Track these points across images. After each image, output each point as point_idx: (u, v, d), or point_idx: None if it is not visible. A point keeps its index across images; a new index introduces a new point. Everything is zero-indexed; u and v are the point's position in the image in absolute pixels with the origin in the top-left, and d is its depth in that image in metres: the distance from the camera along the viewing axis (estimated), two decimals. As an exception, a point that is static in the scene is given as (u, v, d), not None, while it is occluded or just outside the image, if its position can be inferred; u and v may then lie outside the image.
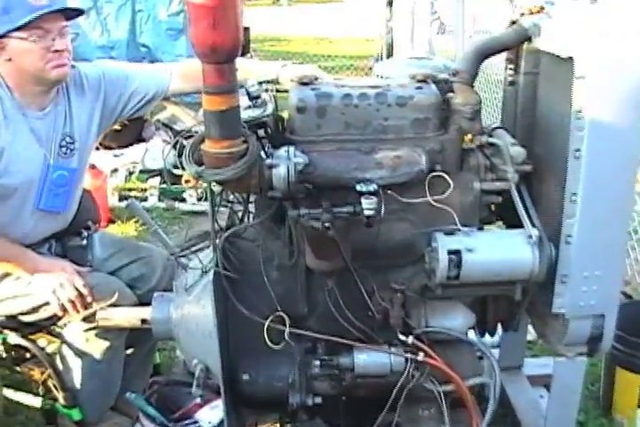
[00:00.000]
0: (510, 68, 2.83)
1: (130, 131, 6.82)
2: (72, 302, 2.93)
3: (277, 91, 2.74)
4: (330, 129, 2.45)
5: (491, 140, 2.54)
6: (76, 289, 2.94)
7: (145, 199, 6.62)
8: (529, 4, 2.65)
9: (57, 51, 2.91)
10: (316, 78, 2.57)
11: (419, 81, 2.55)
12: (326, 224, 2.23)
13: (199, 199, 6.46)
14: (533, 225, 2.45)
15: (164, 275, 3.29)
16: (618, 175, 2.36)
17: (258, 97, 2.52)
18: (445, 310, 2.63)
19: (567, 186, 2.38)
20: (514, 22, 2.65)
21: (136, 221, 5.97)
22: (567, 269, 2.46)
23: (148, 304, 2.75)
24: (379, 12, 12.49)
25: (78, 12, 3.04)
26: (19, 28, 2.84)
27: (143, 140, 7.22)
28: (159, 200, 6.63)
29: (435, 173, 2.44)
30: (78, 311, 2.94)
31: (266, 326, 2.48)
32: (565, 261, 2.46)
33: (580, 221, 2.39)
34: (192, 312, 2.61)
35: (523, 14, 2.66)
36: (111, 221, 6.12)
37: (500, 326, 2.89)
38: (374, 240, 2.43)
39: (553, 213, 2.52)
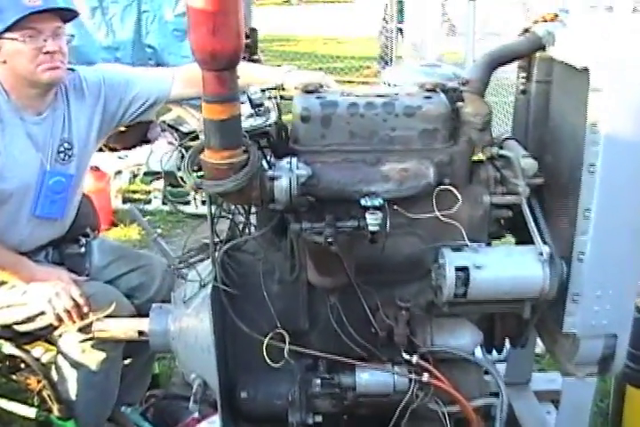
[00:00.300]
0: (522, 76, 2.75)
1: (135, 132, 6.73)
2: (68, 311, 2.85)
3: (282, 98, 2.66)
4: (335, 139, 2.37)
5: (501, 152, 2.45)
6: (73, 299, 2.86)
7: (148, 202, 6.54)
8: (543, 12, 2.57)
9: (48, 52, 2.83)
10: (322, 86, 2.49)
11: (427, 90, 2.46)
12: (329, 239, 2.15)
13: (203, 202, 6.37)
14: (544, 241, 2.36)
15: (164, 284, 3.21)
16: (634, 191, 2.27)
17: (261, 105, 2.44)
18: (452, 327, 2.54)
19: (580, 201, 2.29)
20: (527, 30, 2.56)
21: (139, 224, 5.89)
22: (579, 287, 2.37)
23: (146, 315, 2.69)
24: (387, 12, 12.46)
25: (73, 14, 2.96)
26: (11, 29, 2.77)
27: (148, 142, 7.13)
28: (163, 203, 6.55)
29: (443, 187, 2.36)
30: (74, 322, 2.86)
31: (265, 344, 2.40)
32: (577, 280, 2.37)
33: (594, 237, 2.31)
34: (190, 326, 2.54)
35: (536, 22, 2.57)
36: (114, 224, 6.05)
37: (507, 341, 2.80)
38: (379, 255, 2.34)
39: (565, 228, 2.43)
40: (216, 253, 2.44)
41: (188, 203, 6.47)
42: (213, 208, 2.45)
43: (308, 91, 2.44)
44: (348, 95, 2.42)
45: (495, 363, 3.43)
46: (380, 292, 2.47)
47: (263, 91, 2.49)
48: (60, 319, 2.87)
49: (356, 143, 2.37)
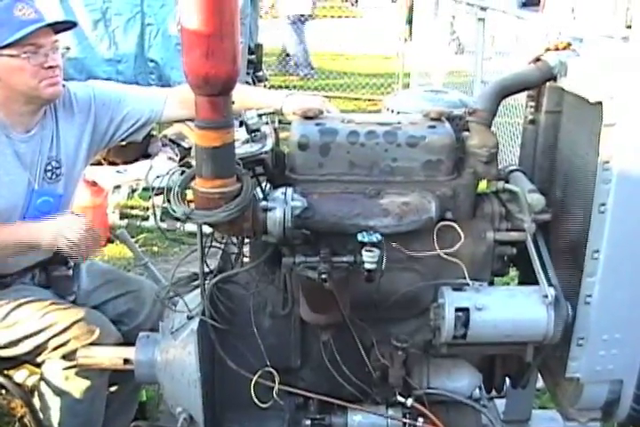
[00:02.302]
0: (531, 106, 2.64)
1: (135, 146, 6.58)
2: (82, 239, 2.69)
3: (280, 122, 2.56)
4: (333, 168, 2.27)
5: (508, 186, 2.35)
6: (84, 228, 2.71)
7: (146, 218, 6.41)
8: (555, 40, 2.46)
9: (50, 67, 2.76)
10: (322, 112, 2.38)
11: (432, 119, 2.36)
12: (323, 275, 2.04)
13: (162, 220, 6.19)
14: (550, 283, 2.25)
15: (153, 311, 3.09)
16: (645, 233, 2.16)
17: (257, 130, 2.34)
18: (450, 369, 2.44)
19: (589, 242, 2.18)
20: (538, 59, 2.46)
21: (136, 241, 5.77)
22: (585, 331, 2.26)
23: (133, 344, 2.57)
24: (397, 29, 12.42)
25: (69, 25, 2.90)
26: (8, 45, 2.67)
27: (149, 156, 7.02)
28: (161, 220, 6.40)
29: (445, 223, 2.25)
30: (92, 249, 2.74)
31: (253, 382, 2.29)
32: (583, 323, 2.26)
33: (602, 280, 2.19)
34: (177, 358, 2.42)
35: (548, 50, 2.47)
36: (110, 241, 5.91)
37: (507, 380, 2.69)
38: (376, 292, 2.23)
39: (572, 269, 2.32)
40: (205, 286, 2.33)
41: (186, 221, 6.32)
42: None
43: (307, 117, 2.34)
44: (349, 122, 2.32)
45: (493, 399, 3.33)
46: (375, 329, 2.37)
47: (260, 116, 2.39)
48: (75, 248, 2.70)
49: (355, 174, 2.27)
